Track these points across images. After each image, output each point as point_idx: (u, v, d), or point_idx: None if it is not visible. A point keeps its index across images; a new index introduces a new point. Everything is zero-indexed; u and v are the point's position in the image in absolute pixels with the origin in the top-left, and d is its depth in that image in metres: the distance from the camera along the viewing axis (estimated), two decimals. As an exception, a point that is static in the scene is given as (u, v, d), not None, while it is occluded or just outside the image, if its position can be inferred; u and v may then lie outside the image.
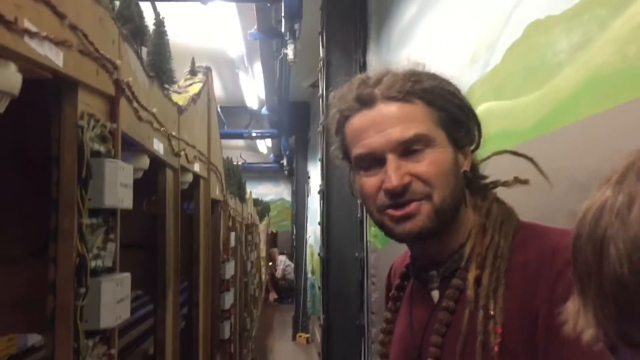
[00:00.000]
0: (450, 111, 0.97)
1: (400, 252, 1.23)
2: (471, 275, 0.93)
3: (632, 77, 1.18)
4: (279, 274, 14.53)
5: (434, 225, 0.94)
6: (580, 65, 1.38)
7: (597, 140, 1.28)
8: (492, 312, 0.87)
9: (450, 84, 1.01)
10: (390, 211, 0.95)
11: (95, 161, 1.08)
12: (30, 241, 1.26)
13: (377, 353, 1.16)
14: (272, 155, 14.10)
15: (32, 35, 0.80)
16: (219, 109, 9.18)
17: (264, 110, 9.06)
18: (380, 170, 0.95)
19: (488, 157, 1.07)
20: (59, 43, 0.90)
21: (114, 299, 1.11)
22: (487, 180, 1.05)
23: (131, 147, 1.47)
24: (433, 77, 0.99)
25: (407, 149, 0.94)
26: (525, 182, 1.02)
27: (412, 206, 0.94)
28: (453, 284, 0.96)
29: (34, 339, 2.20)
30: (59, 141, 1.04)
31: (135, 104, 1.36)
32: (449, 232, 0.99)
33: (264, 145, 13.46)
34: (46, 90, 1.04)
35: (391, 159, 0.93)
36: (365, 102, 0.96)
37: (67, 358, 1.04)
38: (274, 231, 17.00)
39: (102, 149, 1.13)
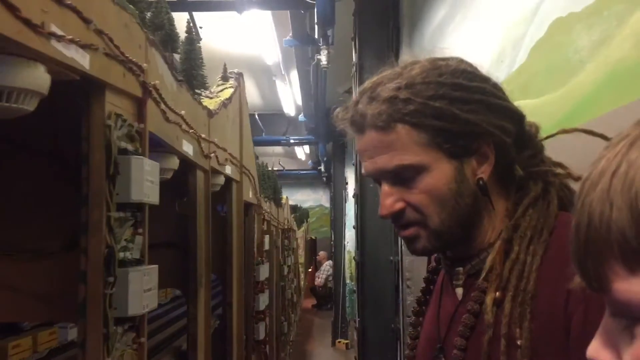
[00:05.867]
0: (439, 128, 0.89)
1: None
2: (489, 298, 0.88)
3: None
4: (321, 281, 14.39)
5: (438, 244, 0.94)
6: (601, 61, 1.38)
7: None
8: (519, 343, 0.82)
9: (455, 85, 0.91)
10: (399, 232, 0.97)
11: (122, 158, 1.14)
12: (64, 235, 1.34)
13: (406, 346, 1.15)
14: (310, 161, 14.18)
15: (58, 38, 0.87)
16: (257, 117, 9.34)
17: (301, 117, 9.13)
18: None
19: (552, 135, 1.02)
20: (85, 46, 0.96)
21: (141, 289, 1.17)
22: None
23: (160, 148, 1.54)
24: (431, 86, 0.90)
25: (397, 177, 0.92)
26: (578, 178, 0.93)
27: (411, 230, 0.94)
28: (478, 286, 0.92)
29: (74, 334, 2.30)
30: (88, 140, 1.11)
31: (162, 106, 1.42)
32: (471, 235, 0.95)
33: (302, 152, 13.55)
34: (76, 92, 1.11)
35: (384, 186, 0.94)
36: (357, 128, 0.95)
37: (97, 343, 1.10)
38: (314, 237, 17.07)
39: (129, 147, 1.19)
